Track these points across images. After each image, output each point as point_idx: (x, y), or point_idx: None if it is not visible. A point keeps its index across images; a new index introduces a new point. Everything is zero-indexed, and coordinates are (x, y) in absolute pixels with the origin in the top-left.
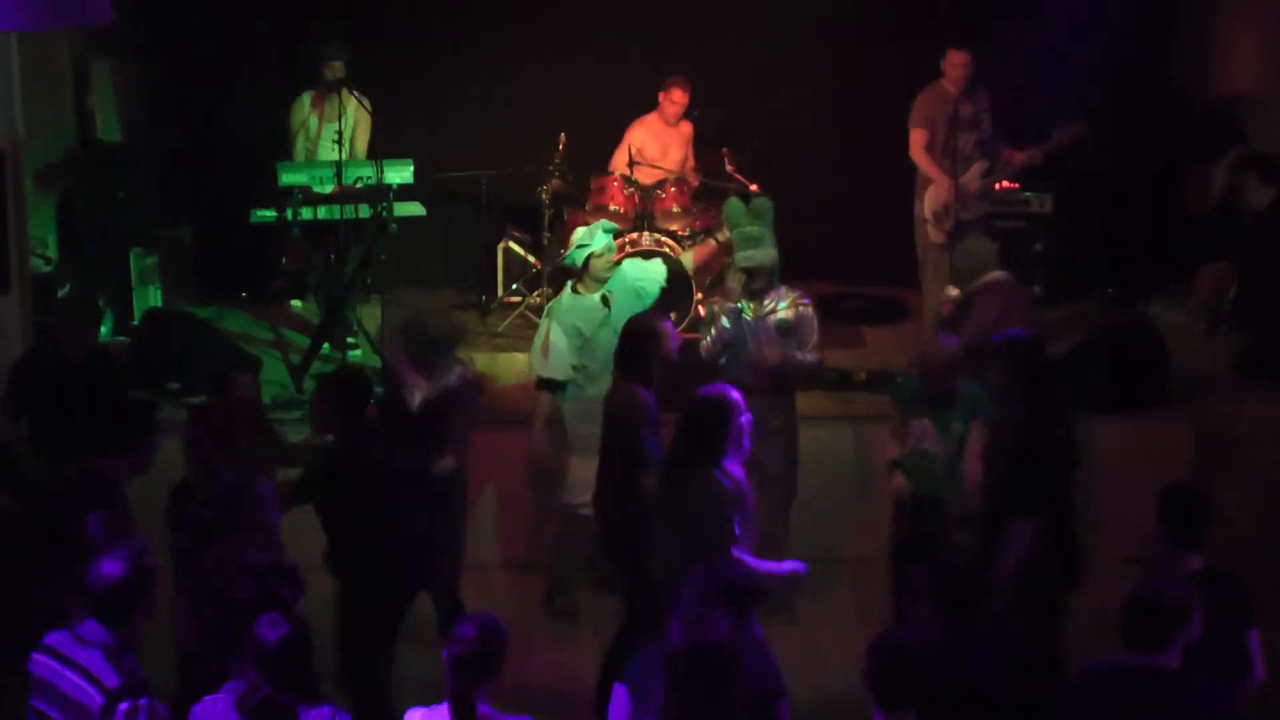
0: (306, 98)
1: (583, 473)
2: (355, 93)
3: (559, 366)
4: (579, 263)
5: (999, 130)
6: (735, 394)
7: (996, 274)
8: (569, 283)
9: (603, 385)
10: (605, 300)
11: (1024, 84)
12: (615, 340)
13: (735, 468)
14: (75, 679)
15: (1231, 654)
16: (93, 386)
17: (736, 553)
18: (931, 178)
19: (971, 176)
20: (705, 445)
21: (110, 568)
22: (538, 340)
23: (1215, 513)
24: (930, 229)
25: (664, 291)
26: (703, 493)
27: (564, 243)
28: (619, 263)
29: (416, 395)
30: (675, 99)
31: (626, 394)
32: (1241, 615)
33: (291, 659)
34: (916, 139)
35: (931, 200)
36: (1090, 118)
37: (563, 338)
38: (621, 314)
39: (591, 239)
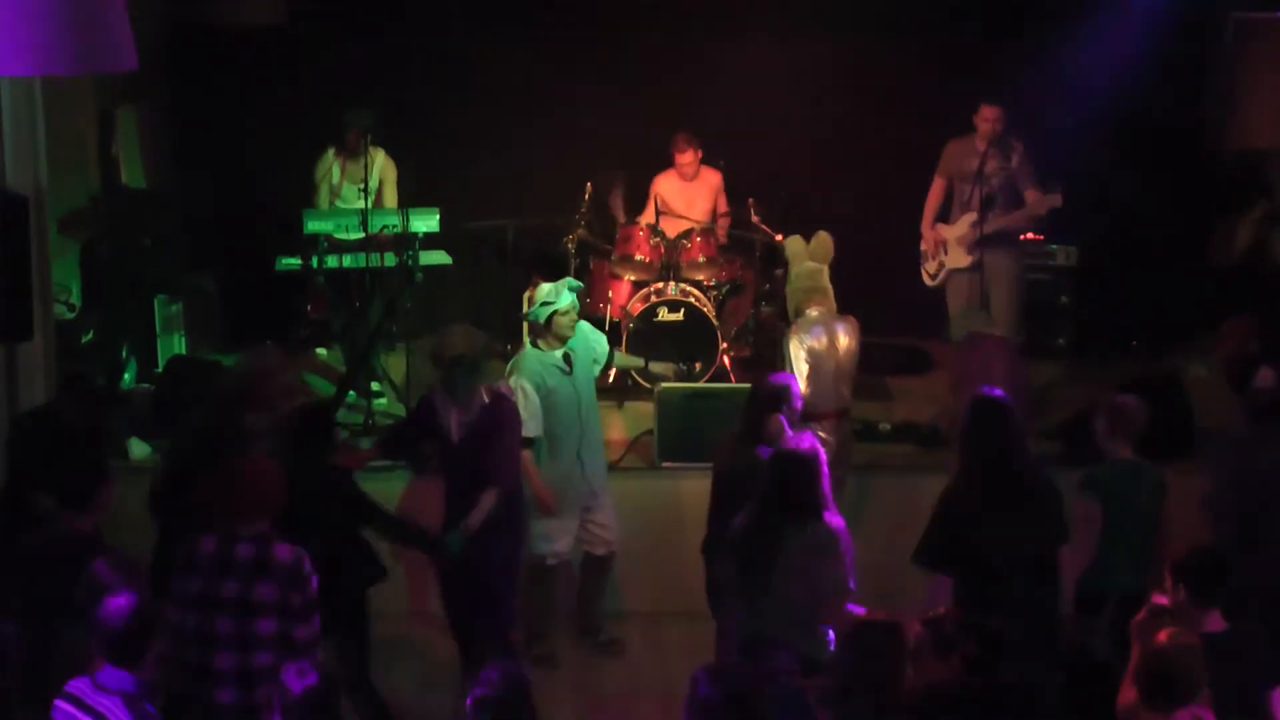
0: (330, 153)
1: (546, 526)
2: (380, 150)
3: (532, 423)
4: (542, 319)
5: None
6: (817, 445)
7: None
8: (529, 339)
9: (565, 444)
10: (568, 358)
11: (1051, 137)
12: (577, 397)
13: (835, 518)
14: None
15: (1252, 715)
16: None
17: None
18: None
19: (955, 226)
20: (804, 502)
21: (118, 607)
22: None
23: (1229, 570)
24: (921, 270)
25: (690, 340)
26: (811, 545)
27: (589, 293)
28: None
29: (454, 426)
30: (683, 157)
31: (748, 454)
32: (1264, 675)
33: (317, 710)
34: (932, 187)
35: (922, 243)
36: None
37: (533, 393)
38: (582, 371)
39: (557, 296)
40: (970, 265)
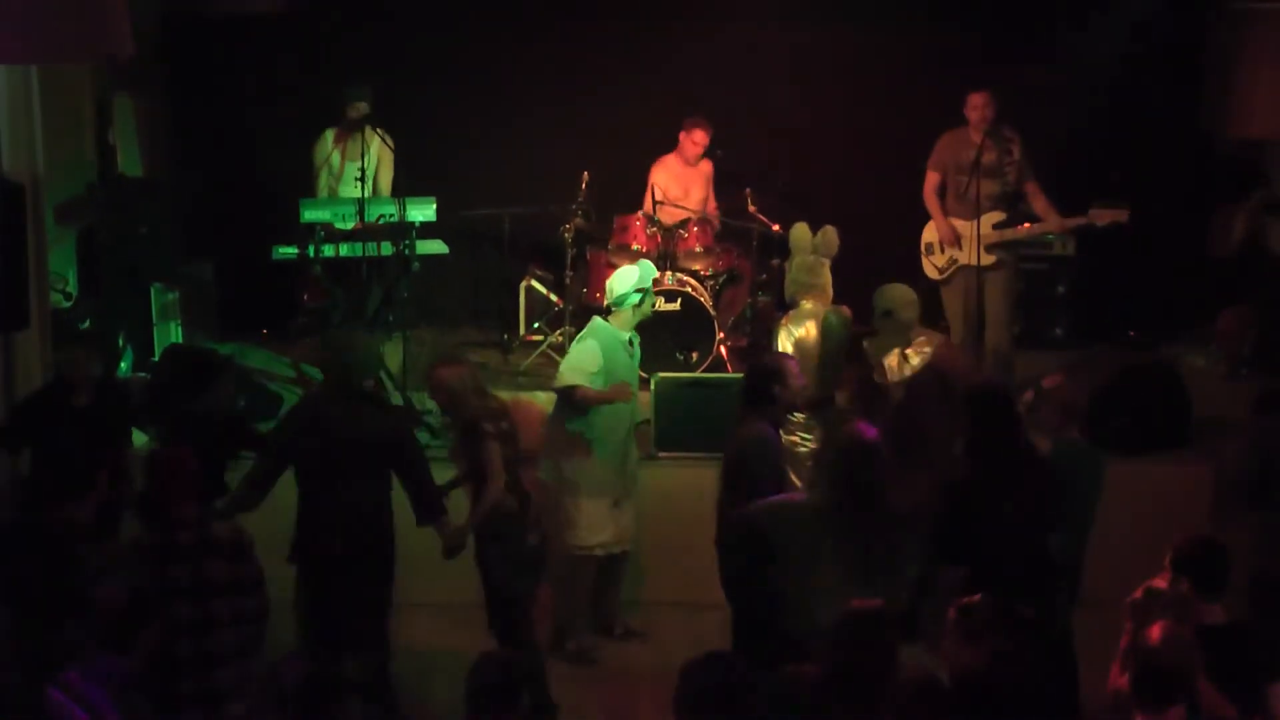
0: (329, 135)
1: (593, 513)
2: (379, 130)
3: (575, 374)
4: (636, 300)
5: (1045, 182)
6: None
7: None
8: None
9: (616, 430)
10: (633, 341)
11: (1049, 128)
12: (633, 385)
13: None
14: (83, 715)
15: (1250, 709)
16: (90, 430)
17: None
18: (931, 215)
19: (974, 223)
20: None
21: (112, 596)
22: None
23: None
24: (924, 262)
25: (687, 330)
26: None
27: (585, 281)
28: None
29: None
30: (696, 139)
31: (756, 430)
32: (1261, 669)
33: (314, 701)
34: (927, 181)
35: (925, 235)
36: (1127, 193)
37: (599, 351)
38: (636, 364)
39: (646, 277)
40: (991, 265)
